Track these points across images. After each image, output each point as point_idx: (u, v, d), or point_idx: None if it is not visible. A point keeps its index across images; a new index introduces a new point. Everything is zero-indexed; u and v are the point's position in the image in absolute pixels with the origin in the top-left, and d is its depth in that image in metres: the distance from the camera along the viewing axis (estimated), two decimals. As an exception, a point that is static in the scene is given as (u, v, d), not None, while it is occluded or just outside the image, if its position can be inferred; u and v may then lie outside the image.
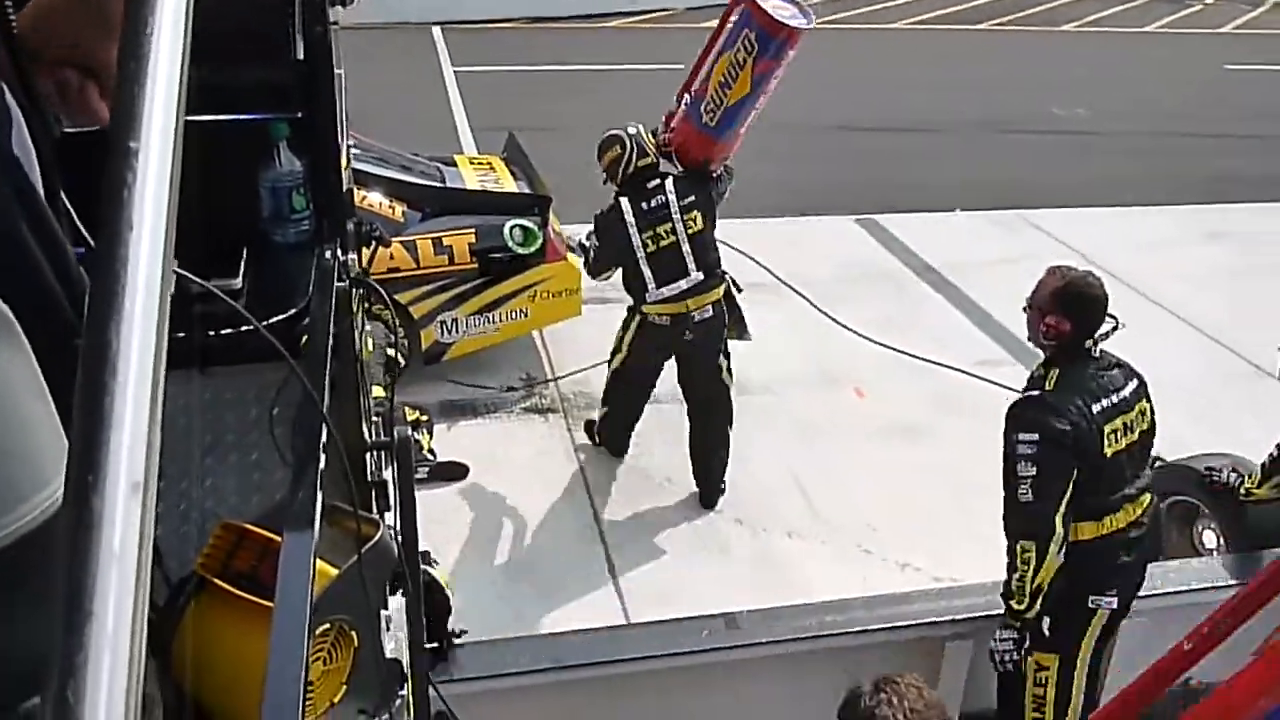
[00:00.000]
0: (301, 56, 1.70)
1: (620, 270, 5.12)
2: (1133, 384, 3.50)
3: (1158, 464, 4.94)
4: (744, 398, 6.12)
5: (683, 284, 4.94)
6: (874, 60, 15.01)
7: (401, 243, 5.86)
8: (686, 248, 4.91)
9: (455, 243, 6.03)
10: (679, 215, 4.92)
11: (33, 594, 0.89)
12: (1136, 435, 3.49)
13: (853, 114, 12.17)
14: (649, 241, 4.91)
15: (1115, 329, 3.43)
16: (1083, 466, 3.34)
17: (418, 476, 5.16)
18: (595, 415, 5.77)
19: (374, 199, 5.93)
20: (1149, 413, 3.56)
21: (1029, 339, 3.57)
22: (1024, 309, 3.52)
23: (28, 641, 0.68)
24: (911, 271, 7.95)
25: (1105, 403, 3.39)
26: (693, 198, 4.98)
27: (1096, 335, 3.41)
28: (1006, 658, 3.48)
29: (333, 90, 1.79)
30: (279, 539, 1.68)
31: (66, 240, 1.08)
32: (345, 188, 2.04)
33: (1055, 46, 16.69)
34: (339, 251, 1.71)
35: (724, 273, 5.14)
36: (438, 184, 6.46)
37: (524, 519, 5.16)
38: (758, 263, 7.15)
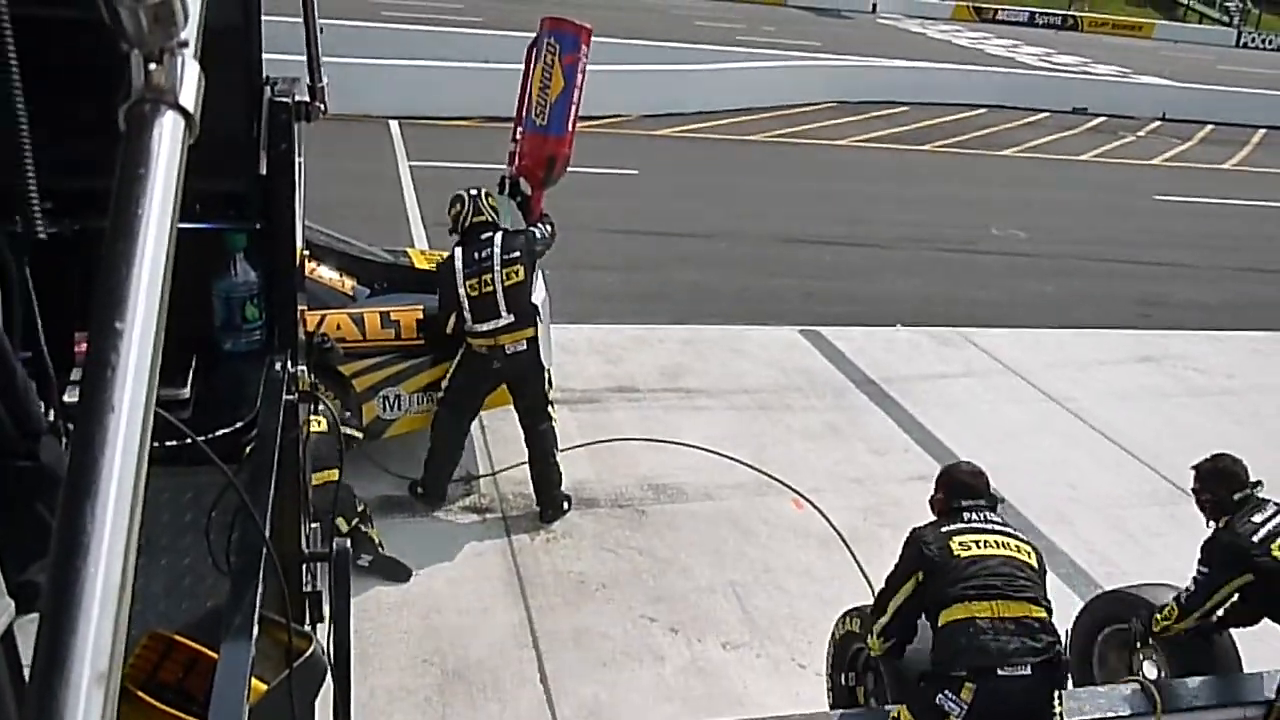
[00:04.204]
0: (265, 171, 1.71)
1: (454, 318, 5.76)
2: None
3: (1098, 593, 5.03)
4: (682, 505, 6.14)
5: (495, 323, 5.68)
6: (821, 176, 15.46)
7: (349, 314, 5.88)
8: (501, 296, 5.67)
9: (403, 318, 6.03)
10: (499, 268, 5.67)
11: None
12: None
13: (798, 227, 12.49)
14: (472, 288, 5.66)
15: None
16: None
17: (360, 563, 5.09)
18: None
19: (324, 273, 5.95)
20: None
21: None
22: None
23: None
24: (852, 383, 8.08)
25: None
26: (516, 253, 5.72)
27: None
28: None
29: (293, 204, 1.81)
30: (208, 651, 1.65)
31: (17, 361, 1.08)
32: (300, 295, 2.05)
33: (995, 170, 17.35)
34: (289, 363, 1.72)
35: (537, 314, 5.85)
36: (389, 260, 6.52)
37: (456, 621, 5.07)
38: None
